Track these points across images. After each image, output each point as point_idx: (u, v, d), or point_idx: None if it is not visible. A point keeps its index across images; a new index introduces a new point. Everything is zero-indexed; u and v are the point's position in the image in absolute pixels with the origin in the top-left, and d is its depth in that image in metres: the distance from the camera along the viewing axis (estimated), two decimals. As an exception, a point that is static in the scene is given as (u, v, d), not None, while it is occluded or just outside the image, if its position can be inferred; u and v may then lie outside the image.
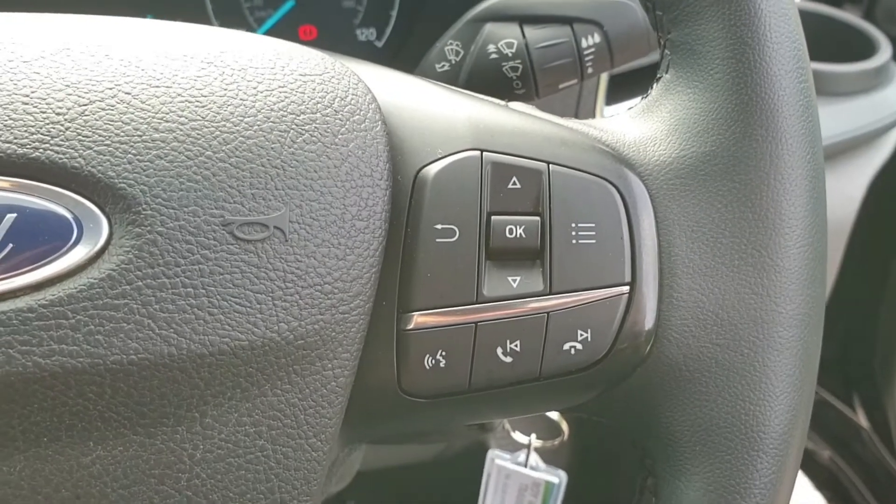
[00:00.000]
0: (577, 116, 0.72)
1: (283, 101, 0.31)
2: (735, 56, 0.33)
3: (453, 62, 0.49)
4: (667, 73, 0.36)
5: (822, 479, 1.52)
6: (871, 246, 1.05)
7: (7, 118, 0.28)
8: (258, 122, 0.30)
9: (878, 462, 1.39)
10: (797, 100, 0.33)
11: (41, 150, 0.28)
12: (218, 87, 0.30)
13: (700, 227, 0.33)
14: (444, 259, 0.32)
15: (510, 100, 0.46)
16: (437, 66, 0.50)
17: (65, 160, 0.28)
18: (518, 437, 0.65)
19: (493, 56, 0.48)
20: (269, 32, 0.80)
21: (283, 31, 0.80)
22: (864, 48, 0.93)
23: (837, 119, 0.85)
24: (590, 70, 0.48)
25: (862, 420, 1.40)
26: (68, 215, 0.28)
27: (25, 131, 0.28)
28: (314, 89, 0.31)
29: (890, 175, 0.93)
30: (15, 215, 0.27)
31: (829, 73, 0.86)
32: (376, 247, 0.31)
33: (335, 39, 0.82)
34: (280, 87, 0.31)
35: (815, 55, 0.93)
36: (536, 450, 0.64)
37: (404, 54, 0.82)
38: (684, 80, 0.35)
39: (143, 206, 0.28)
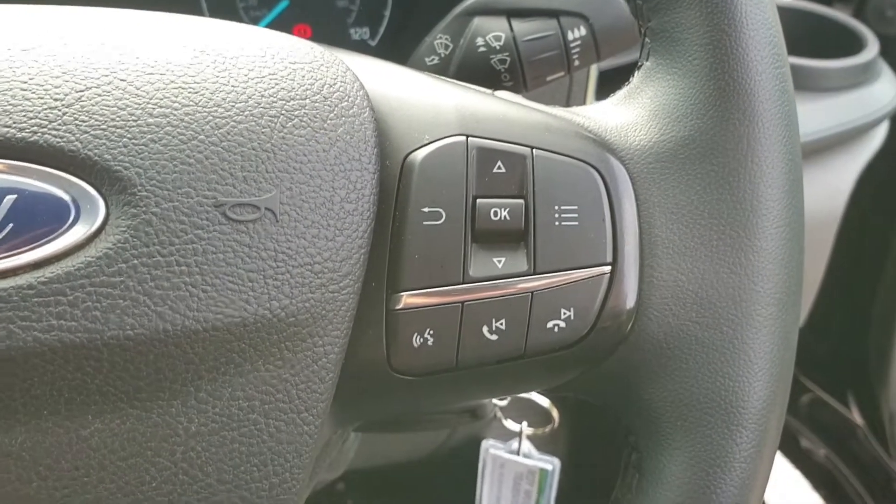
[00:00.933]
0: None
1: (273, 87, 0.32)
2: (712, 43, 0.34)
3: (443, 55, 0.50)
4: (647, 60, 0.37)
5: (818, 478, 1.53)
6: (860, 241, 1.06)
7: (6, 103, 0.29)
8: (249, 108, 0.31)
9: (873, 460, 1.40)
10: (773, 85, 0.34)
11: (39, 134, 0.29)
12: (210, 75, 0.31)
13: (680, 208, 0.34)
14: (431, 241, 0.33)
15: (497, 90, 0.47)
16: (427, 59, 0.51)
17: (62, 144, 0.29)
18: (510, 424, 0.66)
19: (482, 49, 0.49)
20: (264, 32, 0.81)
21: (277, 29, 0.81)
22: (852, 45, 0.94)
23: (826, 114, 0.86)
24: (576, 62, 0.49)
25: (857, 418, 1.41)
26: (66, 197, 0.29)
27: (24, 116, 0.29)
28: (303, 76, 0.33)
29: (877, 169, 0.94)
30: (15, 196, 0.28)
31: (817, 68, 0.88)
32: (364, 228, 0.32)
33: (329, 39, 0.83)
34: (270, 74, 0.32)
35: (805, 51, 0.94)
36: (529, 437, 0.65)
37: (397, 53, 0.83)
38: (664, 66, 0.36)
39: (138, 188, 0.29)
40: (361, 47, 0.84)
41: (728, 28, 0.34)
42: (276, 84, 0.32)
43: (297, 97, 0.32)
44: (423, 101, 0.35)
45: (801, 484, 1.54)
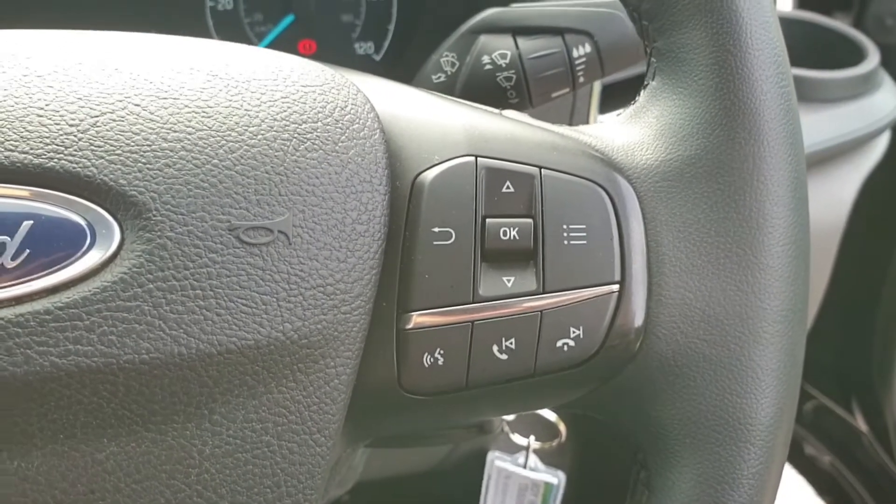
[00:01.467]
0: (570, 125, 0.74)
1: (285, 111, 0.32)
2: (718, 63, 0.34)
3: (449, 73, 0.51)
4: (653, 80, 0.37)
5: (823, 485, 1.53)
6: (863, 250, 1.06)
7: (23, 130, 0.29)
8: (262, 132, 0.31)
9: (878, 467, 1.39)
10: (778, 104, 0.35)
11: (56, 160, 0.29)
12: (223, 99, 0.32)
13: (686, 227, 0.34)
14: (441, 261, 0.33)
15: (504, 108, 0.48)
16: (434, 77, 0.52)
17: (78, 169, 0.29)
18: (517, 439, 0.66)
19: (488, 67, 0.49)
20: (269, 47, 0.82)
21: (282, 45, 0.82)
22: (853, 55, 0.95)
23: (827, 125, 0.86)
24: (581, 79, 0.50)
25: (861, 424, 1.41)
26: (82, 222, 0.29)
27: (41, 142, 0.29)
28: (315, 99, 0.33)
29: (879, 179, 0.94)
30: (31, 222, 0.29)
31: (818, 79, 0.88)
32: (376, 249, 0.32)
33: (334, 53, 0.83)
34: (282, 97, 0.32)
35: (805, 62, 0.95)
36: (535, 451, 0.65)
37: (402, 67, 0.84)
38: (670, 86, 0.36)
39: (153, 213, 0.29)
40: (366, 62, 0.84)
41: (733, 48, 0.34)
42: (289, 107, 0.32)
43: (309, 120, 0.32)
44: (433, 122, 0.36)
45: (806, 491, 1.54)
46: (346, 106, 0.33)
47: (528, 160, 0.35)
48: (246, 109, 0.32)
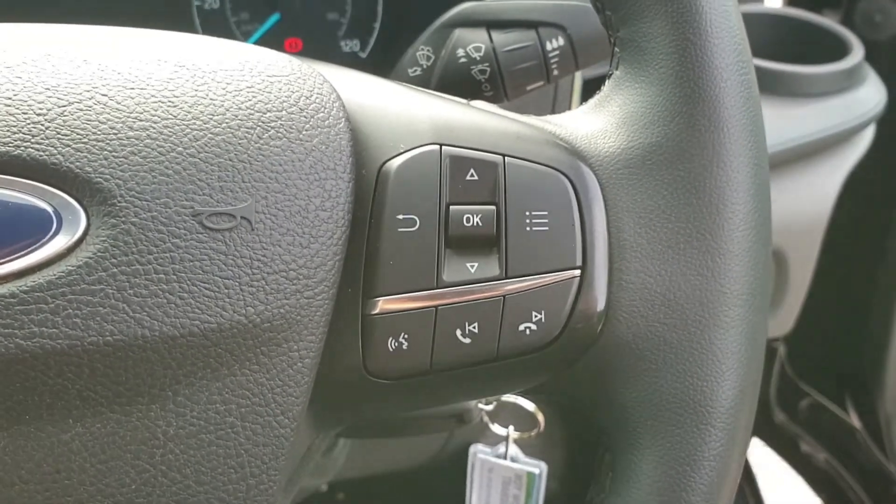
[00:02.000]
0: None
1: (250, 100, 0.33)
2: (678, 52, 0.35)
3: (425, 66, 0.51)
4: (617, 69, 0.38)
5: (819, 482, 1.53)
6: (850, 244, 1.06)
7: None
8: (226, 120, 0.32)
9: (873, 463, 1.40)
10: (738, 92, 0.35)
11: (23, 148, 0.30)
12: (189, 88, 0.32)
13: (648, 213, 0.35)
14: (405, 247, 0.34)
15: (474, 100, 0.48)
16: (410, 70, 0.52)
17: (45, 157, 0.30)
18: (497, 429, 0.66)
19: (463, 60, 0.50)
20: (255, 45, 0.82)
21: (268, 43, 0.82)
22: (838, 50, 0.95)
23: (812, 119, 0.87)
24: (555, 72, 0.50)
25: (855, 421, 1.41)
26: (48, 208, 0.30)
27: (8, 131, 0.30)
28: (280, 89, 0.34)
29: (863, 173, 0.95)
30: (-5, 208, 0.29)
31: (802, 74, 0.89)
32: (339, 236, 0.33)
33: (320, 51, 0.84)
34: (248, 87, 0.33)
35: (791, 58, 0.95)
36: (515, 441, 0.66)
37: (388, 64, 0.84)
38: (632, 75, 0.37)
39: (118, 199, 0.30)
40: (352, 59, 0.85)
41: (693, 37, 0.35)
42: (254, 97, 0.33)
43: (274, 109, 0.33)
44: (399, 112, 0.36)
45: (801, 488, 1.54)
46: (312, 95, 0.34)
47: (493, 148, 0.35)
48: (211, 99, 0.32)
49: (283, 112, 0.33)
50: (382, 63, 0.85)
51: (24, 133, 0.30)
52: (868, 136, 0.94)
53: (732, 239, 0.34)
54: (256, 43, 0.83)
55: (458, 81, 0.50)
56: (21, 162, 0.30)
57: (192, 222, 0.30)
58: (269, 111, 0.33)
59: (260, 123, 0.32)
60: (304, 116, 0.33)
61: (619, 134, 0.36)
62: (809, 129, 0.86)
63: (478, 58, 0.50)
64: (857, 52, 0.93)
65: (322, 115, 0.34)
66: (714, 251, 0.34)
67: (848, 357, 1.34)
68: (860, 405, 1.39)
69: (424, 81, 0.51)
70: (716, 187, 0.34)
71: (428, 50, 0.51)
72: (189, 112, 0.32)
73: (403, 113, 0.36)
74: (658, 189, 0.35)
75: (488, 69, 0.50)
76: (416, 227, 0.34)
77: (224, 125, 0.32)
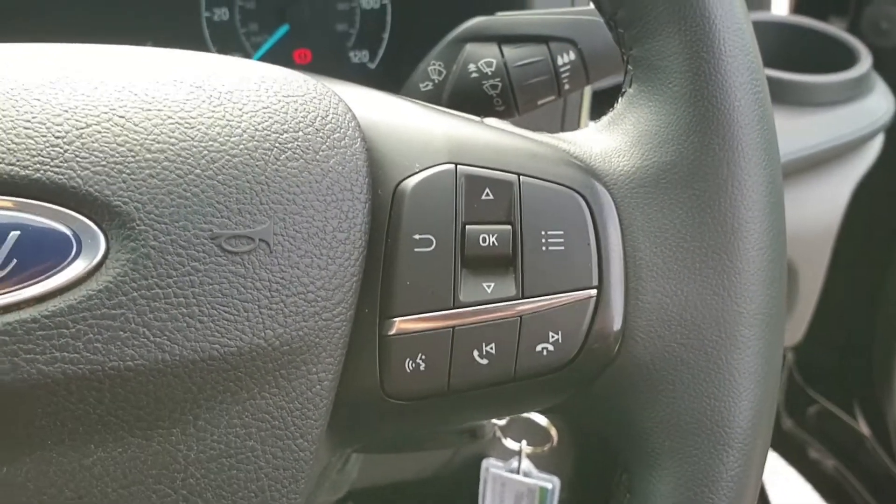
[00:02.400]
0: (561, 131, 0.74)
1: (266, 121, 0.33)
2: (692, 70, 0.35)
3: (436, 81, 0.51)
4: (630, 87, 0.38)
5: (827, 490, 1.53)
6: (859, 253, 1.06)
7: (10, 142, 0.30)
8: (244, 142, 0.32)
9: (882, 470, 1.39)
10: (752, 110, 0.35)
11: (42, 172, 0.30)
12: (206, 110, 0.33)
13: (663, 232, 0.35)
14: (422, 267, 0.34)
15: (490, 117, 0.48)
16: (422, 85, 0.52)
17: (64, 181, 0.30)
18: (509, 443, 0.66)
19: (474, 75, 0.50)
20: (264, 57, 0.83)
21: (278, 54, 0.83)
22: (846, 59, 0.95)
23: (821, 129, 0.87)
24: (566, 86, 0.51)
25: (864, 428, 1.41)
26: (68, 232, 0.30)
27: (27, 154, 0.30)
28: (296, 109, 0.34)
29: (873, 183, 0.95)
30: (18, 233, 0.29)
31: (811, 83, 0.89)
32: (357, 257, 0.33)
33: (329, 62, 0.84)
34: (264, 108, 0.33)
35: (799, 66, 0.95)
36: (528, 456, 0.66)
37: (397, 75, 0.85)
38: (646, 93, 0.37)
39: (137, 222, 0.30)
40: (361, 70, 0.85)
41: (707, 55, 0.35)
42: (270, 117, 0.33)
43: (290, 129, 0.33)
44: (414, 131, 0.36)
45: (810, 495, 1.54)
46: (328, 115, 0.34)
47: (507, 167, 0.35)
48: (228, 120, 0.32)
49: (300, 133, 0.33)
50: (391, 74, 0.85)
51: (43, 156, 0.30)
52: (877, 145, 0.94)
53: (748, 258, 0.34)
54: (266, 54, 0.83)
55: (469, 96, 0.50)
56: (41, 186, 0.30)
57: (211, 245, 0.31)
58: (285, 132, 0.33)
59: (277, 145, 0.32)
60: (321, 137, 0.33)
61: (634, 152, 0.36)
62: (818, 139, 0.86)
63: (489, 73, 0.50)
64: (866, 61, 0.93)
65: (338, 135, 0.34)
66: (730, 270, 0.34)
67: (857, 364, 1.34)
68: (869, 412, 1.39)
69: (436, 96, 0.51)
70: (731, 206, 0.34)
71: (439, 65, 0.51)
72: (206, 134, 0.32)
73: (418, 132, 0.36)
74: (673, 208, 0.35)
75: (500, 84, 0.50)
76: (433, 247, 0.34)
77: (241, 147, 0.32)
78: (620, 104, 0.38)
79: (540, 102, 0.51)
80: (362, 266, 0.33)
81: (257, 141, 0.32)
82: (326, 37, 0.84)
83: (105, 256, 0.30)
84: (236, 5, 0.81)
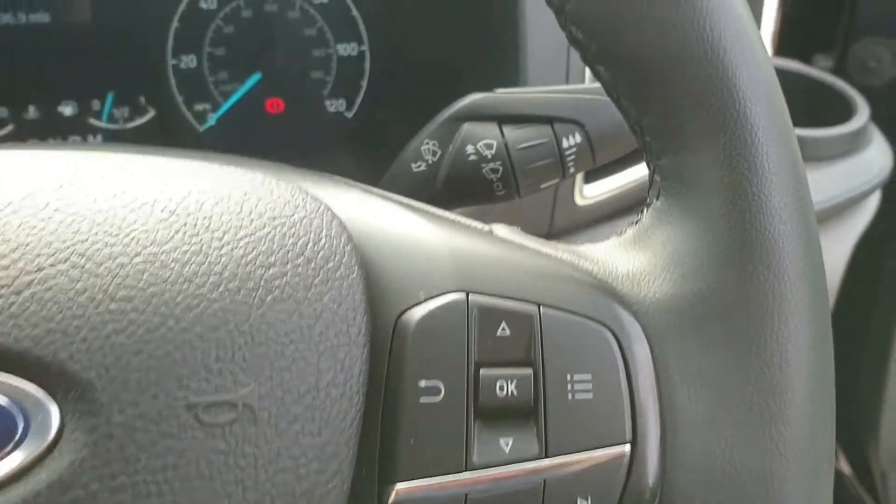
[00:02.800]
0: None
1: (251, 252, 0.28)
2: (731, 189, 0.31)
3: (430, 162, 0.47)
4: (657, 200, 0.34)
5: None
6: (854, 309, 1.03)
7: None
8: (224, 281, 0.27)
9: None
10: (799, 234, 0.31)
11: None
12: (180, 241, 0.28)
13: (701, 373, 0.31)
14: (429, 421, 0.29)
15: (491, 202, 0.44)
16: (414, 165, 0.48)
17: (9, 342, 0.25)
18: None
19: (472, 157, 0.46)
20: (234, 106, 0.78)
21: (250, 104, 0.78)
22: (841, 108, 0.92)
23: (819, 185, 0.84)
24: (571, 169, 0.47)
25: (845, 467, 1.39)
26: (13, 408, 0.25)
27: None
28: (284, 234, 0.29)
29: (873, 239, 0.92)
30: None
31: (808, 138, 0.85)
32: (353, 415, 0.28)
33: (304, 111, 0.80)
34: (247, 235, 0.29)
35: (792, 117, 0.92)
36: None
37: (374, 125, 0.80)
38: (677, 209, 0.33)
39: (98, 392, 0.25)
40: (337, 119, 0.80)
41: (748, 173, 0.31)
42: (255, 248, 0.28)
43: (279, 262, 0.28)
44: (416, 248, 0.32)
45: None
46: (320, 240, 0.29)
47: (526, 296, 0.31)
48: (206, 254, 0.28)
49: (289, 265, 0.28)
50: (369, 124, 0.81)
51: None
52: (875, 199, 0.91)
53: (797, 404, 0.30)
54: (236, 104, 0.78)
55: (466, 179, 0.46)
56: None
57: (187, 416, 0.26)
58: (272, 265, 0.28)
59: (263, 283, 0.28)
60: (313, 269, 0.29)
61: (665, 277, 0.32)
62: (816, 197, 0.82)
63: (489, 155, 0.46)
64: (863, 113, 0.90)
65: (332, 264, 0.29)
66: (777, 419, 0.30)
67: (841, 406, 1.32)
68: (851, 451, 1.36)
69: (429, 177, 0.47)
70: (777, 345, 0.30)
71: (434, 144, 0.47)
72: (181, 274, 0.27)
73: (421, 249, 0.32)
74: (711, 345, 0.31)
75: (500, 168, 0.45)
76: (441, 396, 0.29)
77: (222, 288, 0.27)
78: (647, 218, 0.34)
79: (543, 186, 0.47)
80: (360, 425, 0.28)
81: (240, 280, 0.28)
82: (301, 85, 0.79)
83: (58, 437, 0.25)
84: (205, 52, 0.76)
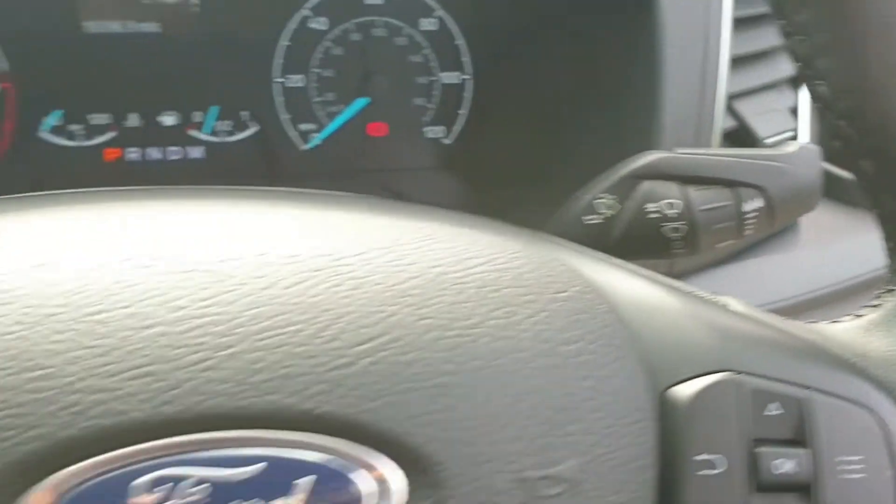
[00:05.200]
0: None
1: (548, 329, 0.29)
2: None
3: (606, 216, 0.48)
4: None
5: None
6: None
7: (281, 367, 0.25)
8: (536, 357, 0.28)
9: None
10: None
11: (331, 404, 0.25)
12: (486, 316, 0.28)
13: None
14: (707, 494, 0.30)
15: (666, 258, 0.45)
16: (585, 218, 0.49)
17: (363, 416, 0.25)
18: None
19: (654, 215, 0.47)
20: (338, 128, 0.78)
21: (351, 126, 0.78)
22: None
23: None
24: (748, 232, 0.48)
25: None
26: (371, 481, 0.25)
27: (301, 380, 0.25)
28: (569, 310, 0.30)
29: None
30: (314, 477, 0.25)
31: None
32: (652, 484, 0.29)
33: (404, 136, 0.80)
34: (545, 315, 0.29)
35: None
36: None
37: (472, 153, 0.81)
38: None
39: (441, 466, 0.26)
40: (435, 146, 0.81)
41: None
42: (549, 325, 0.29)
43: (573, 341, 0.29)
44: (675, 324, 0.33)
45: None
46: (605, 328, 0.30)
47: (796, 379, 0.32)
48: (515, 332, 0.28)
49: (582, 343, 0.29)
50: (466, 151, 0.81)
51: (325, 383, 0.25)
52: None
53: None
54: (340, 126, 0.78)
55: (645, 237, 0.47)
56: (329, 419, 0.25)
57: (520, 491, 0.26)
58: (570, 343, 0.29)
59: (566, 361, 0.29)
60: (602, 347, 0.30)
61: None
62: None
63: (671, 215, 0.47)
64: None
65: (614, 347, 0.30)
66: None
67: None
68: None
69: (604, 232, 0.48)
70: None
71: (610, 199, 0.48)
72: (493, 350, 0.28)
73: (680, 326, 0.33)
74: None
75: (683, 227, 0.46)
76: (719, 469, 0.30)
77: (534, 366, 0.28)
78: (892, 302, 0.35)
79: (718, 246, 0.48)
80: (655, 499, 0.29)
81: (547, 357, 0.28)
82: (403, 111, 0.80)
83: None
84: (312, 72, 0.77)
